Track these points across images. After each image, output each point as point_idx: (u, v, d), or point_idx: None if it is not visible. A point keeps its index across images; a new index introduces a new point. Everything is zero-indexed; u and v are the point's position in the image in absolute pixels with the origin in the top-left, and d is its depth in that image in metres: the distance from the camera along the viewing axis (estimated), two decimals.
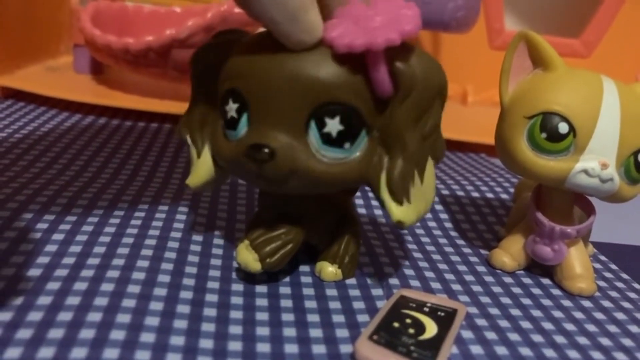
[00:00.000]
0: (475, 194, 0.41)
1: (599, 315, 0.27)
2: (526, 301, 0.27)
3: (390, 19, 0.21)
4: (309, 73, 0.21)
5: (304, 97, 0.22)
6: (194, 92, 0.26)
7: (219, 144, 0.24)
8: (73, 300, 0.22)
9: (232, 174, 0.26)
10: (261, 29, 0.23)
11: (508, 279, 0.30)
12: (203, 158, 0.26)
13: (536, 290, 0.29)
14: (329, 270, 0.27)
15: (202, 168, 0.26)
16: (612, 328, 0.26)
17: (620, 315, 0.27)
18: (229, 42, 0.24)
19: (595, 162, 0.26)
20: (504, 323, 0.25)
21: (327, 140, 0.22)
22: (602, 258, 0.34)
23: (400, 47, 0.21)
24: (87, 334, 0.20)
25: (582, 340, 0.25)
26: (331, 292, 0.26)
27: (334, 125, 0.22)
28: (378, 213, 0.36)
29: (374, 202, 0.37)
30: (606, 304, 0.28)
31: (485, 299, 0.27)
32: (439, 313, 0.24)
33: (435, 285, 0.28)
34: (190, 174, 0.26)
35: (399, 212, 0.23)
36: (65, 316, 0.21)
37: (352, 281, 0.27)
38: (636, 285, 0.31)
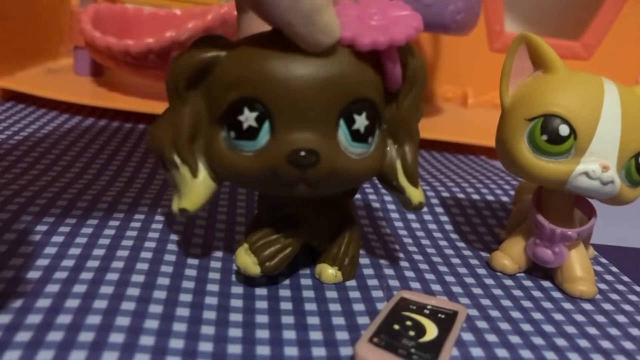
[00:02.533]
0: (476, 196, 0.40)
1: (600, 318, 0.27)
2: (527, 304, 0.27)
3: (389, 17, 0.22)
4: (336, 73, 0.22)
5: (334, 97, 0.22)
6: (176, 103, 0.23)
7: (227, 160, 0.23)
8: (72, 303, 0.22)
9: (249, 187, 0.25)
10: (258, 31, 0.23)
11: (508, 282, 0.30)
12: (200, 177, 0.24)
13: (537, 293, 0.29)
14: (329, 272, 0.27)
15: (200, 188, 0.24)
16: (613, 331, 0.26)
17: (621, 318, 0.27)
18: (219, 45, 0.23)
19: (596, 164, 0.26)
20: (504, 325, 0.25)
21: (356, 136, 0.23)
22: (603, 260, 0.34)
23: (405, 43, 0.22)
24: (86, 336, 0.20)
25: (583, 343, 0.25)
26: (331, 294, 0.26)
27: (361, 122, 0.22)
28: (378, 215, 0.36)
29: (375, 204, 0.37)
30: (607, 306, 0.28)
31: (485, 301, 0.27)
32: (439, 315, 0.24)
33: (436, 287, 0.28)
34: (184, 197, 0.24)
35: (418, 194, 0.25)
36: (64, 319, 0.21)
37: (352, 283, 0.27)
38: (637, 288, 0.31)
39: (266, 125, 0.22)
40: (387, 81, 0.23)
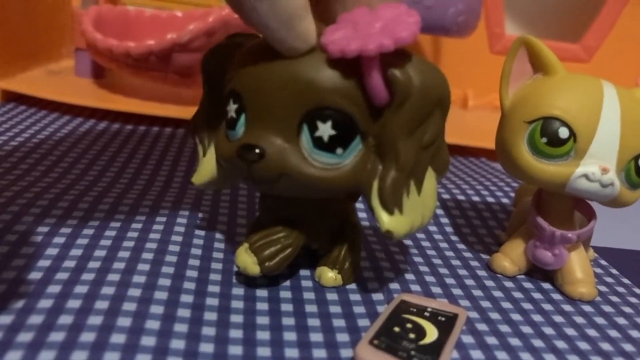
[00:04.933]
0: (476, 198, 0.41)
1: (600, 320, 0.27)
2: (527, 306, 0.27)
3: (389, 25, 0.21)
4: (302, 77, 0.22)
5: (297, 100, 0.22)
6: (204, 92, 0.27)
7: (220, 144, 0.25)
8: (74, 304, 0.22)
9: (229, 173, 0.26)
10: None
11: (509, 284, 0.30)
12: (208, 156, 0.26)
13: (537, 295, 0.29)
14: (329, 275, 0.27)
15: (206, 166, 0.26)
16: (613, 333, 0.26)
17: (621, 320, 0.27)
18: (238, 44, 0.25)
19: (595, 166, 0.26)
20: (504, 328, 0.25)
21: (319, 144, 0.22)
22: (603, 263, 0.34)
23: (397, 54, 0.21)
24: (87, 337, 0.20)
25: (583, 345, 0.25)
26: (332, 296, 0.26)
27: (325, 130, 0.22)
28: None
29: None
30: (607, 308, 0.28)
31: (485, 304, 0.27)
32: (439, 318, 0.24)
33: (436, 289, 0.28)
34: (196, 172, 0.27)
35: (388, 221, 0.22)
36: (65, 319, 0.21)
37: (352, 285, 0.27)
38: (637, 290, 0.31)
39: (242, 118, 0.23)
40: (369, 93, 0.22)
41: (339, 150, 0.22)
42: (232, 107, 0.23)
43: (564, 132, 0.26)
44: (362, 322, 0.24)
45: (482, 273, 0.30)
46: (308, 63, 0.22)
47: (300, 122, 0.22)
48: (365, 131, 0.22)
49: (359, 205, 0.37)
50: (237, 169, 0.24)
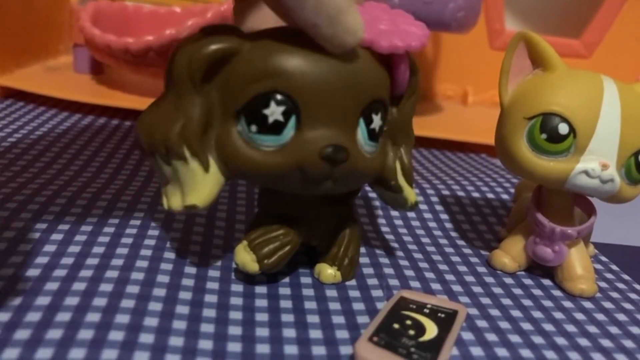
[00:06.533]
0: (476, 195, 0.40)
1: (600, 317, 0.27)
2: (527, 302, 0.27)
3: (398, 23, 0.23)
4: (359, 73, 0.22)
5: (357, 96, 0.22)
6: (189, 96, 0.22)
7: (245, 156, 0.22)
8: (72, 301, 0.22)
9: (268, 184, 0.24)
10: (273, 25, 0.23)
11: (509, 280, 0.29)
12: (211, 173, 0.23)
13: (537, 292, 0.29)
14: (328, 272, 0.27)
15: (210, 183, 0.23)
16: (613, 329, 0.26)
17: (621, 317, 0.27)
18: (238, 37, 0.22)
19: (595, 162, 0.26)
20: (504, 324, 0.25)
21: (372, 135, 0.23)
22: (603, 259, 0.34)
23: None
24: (85, 334, 0.20)
25: (583, 341, 0.25)
26: (331, 293, 0.26)
27: (377, 121, 0.23)
28: (378, 213, 0.36)
29: (375, 203, 0.37)
30: (607, 305, 0.28)
31: (485, 300, 0.27)
32: (439, 314, 0.24)
33: (436, 286, 0.28)
34: (191, 193, 0.22)
35: (413, 194, 0.27)
36: (63, 317, 0.21)
37: (352, 282, 0.27)
38: (637, 286, 0.31)
39: (292, 120, 0.22)
40: (396, 84, 0.24)
41: (380, 139, 0.24)
42: (275, 110, 0.21)
43: (563, 128, 0.26)
44: (362, 319, 0.24)
45: (481, 269, 0.30)
46: (361, 58, 0.22)
47: (359, 117, 0.23)
48: (387, 118, 0.25)
49: (358, 201, 0.37)
50: (308, 176, 0.22)
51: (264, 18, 0.24)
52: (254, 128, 0.22)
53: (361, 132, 0.23)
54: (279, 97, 0.21)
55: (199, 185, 0.22)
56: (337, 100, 0.22)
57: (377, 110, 0.23)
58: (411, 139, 0.27)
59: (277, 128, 0.22)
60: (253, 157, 0.22)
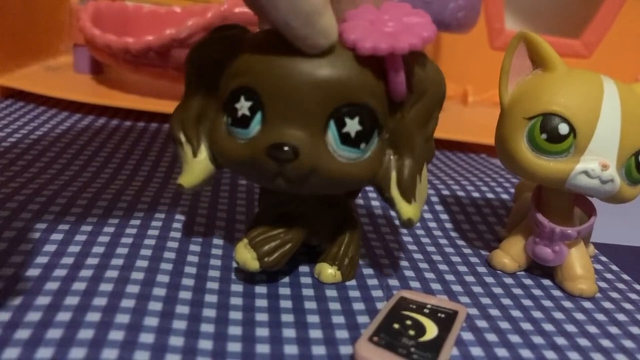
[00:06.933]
0: (476, 194, 0.40)
1: (600, 317, 0.27)
2: (527, 302, 0.27)
3: (404, 24, 0.22)
4: (330, 74, 0.22)
5: (326, 97, 0.22)
6: (190, 88, 0.25)
7: (223, 144, 0.24)
8: (72, 301, 0.22)
9: (241, 174, 0.25)
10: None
11: (509, 280, 0.29)
12: (199, 157, 0.25)
13: (537, 292, 0.29)
14: (328, 272, 0.27)
15: (198, 167, 0.25)
16: (613, 329, 0.26)
17: (621, 317, 0.27)
18: (233, 37, 0.24)
19: (595, 163, 0.26)
20: (504, 324, 0.25)
21: (346, 140, 0.22)
22: (603, 259, 0.34)
23: (412, 53, 0.22)
24: (85, 334, 0.20)
25: (583, 341, 0.25)
26: (331, 293, 0.26)
27: (353, 126, 0.22)
28: (378, 213, 0.36)
29: (375, 203, 0.37)
30: (607, 305, 0.28)
31: (485, 300, 0.27)
32: (439, 314, 0.24)
33: (436, 286, 0.28)
34: (183, 174, 0.25)
35: (409, 210, 0.24)
36: (63, 316, 0.21)
37: (352, 282, 0.27)
38: (637, 286, 0.31)
39: (258, 116, 0.22)
40: (390, 90, 0.23)
41: (363, 145, 0.23)
42: (244, 105, 0.22)
43: (563, 128, 0.26)
44: (362, 319, 0.24)
45: (481, 269, 0.30)
46: (336, 60, 0.22)
47: (328, 119, 0.22)
48: (382, 125, 0.23)
49: (358, 201, 0.37)
50: (257, 170, 0.23)
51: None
52: (229, 120, 0.23)
53: (332, 135, 0.22)
54: (247, 93, 0.22)
55: (190, 168, 0.25)
56: (301, 100, 0.22)
57: (353, 114, 0.22)
58: (416, 151, 0.24)
59: (244, 122, 0.23)
60: (228, 146, 0.24)
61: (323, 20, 0.21)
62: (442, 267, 0.30)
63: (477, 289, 0.28)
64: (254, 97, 0.22)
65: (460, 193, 0.40)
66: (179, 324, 0.22)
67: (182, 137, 0.25)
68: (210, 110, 0.25)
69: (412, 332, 0.22)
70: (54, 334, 0.20)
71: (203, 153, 0.25)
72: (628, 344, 0.25)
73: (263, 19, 0.21)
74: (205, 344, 0.21)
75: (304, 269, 0.28)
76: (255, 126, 0.22)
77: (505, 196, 0.41)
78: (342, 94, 0.22)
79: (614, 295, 0.29)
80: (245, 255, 0.24)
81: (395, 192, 0.24)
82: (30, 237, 0.27)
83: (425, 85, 0.24)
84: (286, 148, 0.22)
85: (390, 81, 0.22)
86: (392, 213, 0.36)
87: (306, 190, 0.24)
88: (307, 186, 0.23)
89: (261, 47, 0.22)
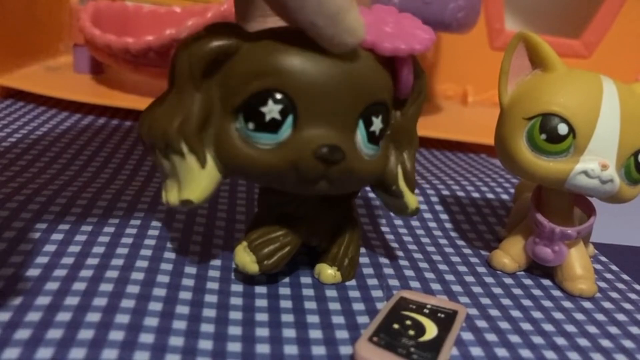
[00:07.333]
0: (476, 195, 0.40)
1: (600, 317, 0.27)
2: (526, 302, 0.27)
3: (403, 26, 0.23)
4: (360, 74, 0.22)
5: (357, 97, 0.22)
6: (189, 92, 0.22)
7: (238, 152, 0.22)
8: (72, 301, 0.22)
9: (261, 182, 0.24)
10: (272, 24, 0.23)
11: (508, 280, 0.29)
12: (207, 168, 0.23)
13: (537, 292, 0.29)
14: (328, 272, 0.27)
15: (206, 179, 0.22)
16: (613, 329, 0.26)
17: (621, 317, 0.27)
18: (238, 35, 0.22)
19: (595, 163, 0.26)
20: (504, 324, 0.25)
21: (371, 138, 0.23)
22: (603, 259, 0.34)
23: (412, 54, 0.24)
24: (85, 334, 0.20)
25: (583, 341, 0.25)
26: (331, 293, 0.26)
27: (377, 124, 0.23)
28: (378, 213, 0.36)
29: (375, 203, 0.37)
30: (607, 305, 0.28)
31: (485, 300, 0.27)
32: (439, 314, 0.24)
33: (436, 286, 0.28)
34: (187, 188, 0.22)
35: (414, 200, 0.26)
36: (63, 316, 0.21)
37: (352, 282, 0.27)
38: (637, 286, 0.31)
39: (289, 119, 0.21)
40: (399, 88, 0.24)
41: (381, 142, 0.24)
42: (273, 108, 0.21)
43: (563, 129, 0.26)
44: (362, 319, 0.24)
45: (481, 270, 0.30)
46: (361, 60, 0.22)
47: (358, 118, 0.23)
48: (389, 122, 0.24)
49: (358, 201, 0.37)
50: (302, 175, 0.22)
51: (264, 20, 0.24)
52: (251, 125, 0.22)
53: (360, 134, 0.23)
54: (277, 95, 0.21)
55: (196, 180, 0.22)
56: (335, 100, 0.22)
57: (378, 112, 0.23)
58: (414, 144, 0.26)
59: (274, 126, 0.21)
60: (250, 154, 0.22)
61: (349, 19, 0.21)
62: (442, 267, 0.30)
63: (477, 289, 0.28)
64: (284, 100, 0.21)
65: (460, 193, 0.40)
66: (179, 324, 0.22)
67: (184, 148, 0.22)
68: (214, 115, 0.23)
69: (412, 332, 0.22)
70: (54, 334, 0.20)
71: (209, 163, 0.23)
72: (628, 344, 0.25)
73: (287, 19, 0.21)
74: (205, 344, 0.21)
75: (304, 269, 0.28)
76: (286, 130, 0.22)
77: (505, 196, 0.41)
78: (370, 93, 0.23)
79: (614, 295, 0.29)
80: (245, 258, 0.24)
81: (402, 185, 0.26)
82: (30, 237, 0.27)
83: (422, 84, 0.25)
84: (331, 149, 0.21)
85: (403, 79, 0.24)
86: (392, 214, 0.36)
87: (342, 191, 0.24)
88: (344, 186, 0.24)
89: (286, 47, 0.22)
